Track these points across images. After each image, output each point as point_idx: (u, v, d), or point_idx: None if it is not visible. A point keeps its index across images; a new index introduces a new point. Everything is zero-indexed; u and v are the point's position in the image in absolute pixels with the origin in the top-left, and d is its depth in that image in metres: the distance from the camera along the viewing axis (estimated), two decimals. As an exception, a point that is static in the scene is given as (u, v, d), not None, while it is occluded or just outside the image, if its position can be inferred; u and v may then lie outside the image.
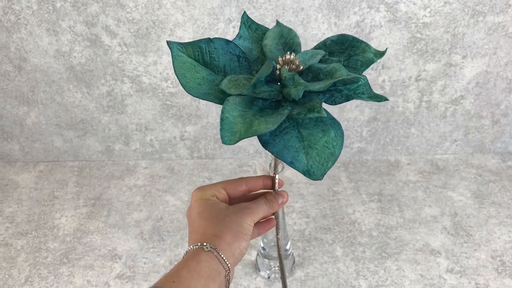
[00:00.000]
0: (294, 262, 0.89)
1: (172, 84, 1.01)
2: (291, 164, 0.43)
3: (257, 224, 0.56)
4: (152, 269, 0.90)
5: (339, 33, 0.92)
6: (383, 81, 1.01)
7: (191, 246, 0.46)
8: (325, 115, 0.40)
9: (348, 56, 0.48)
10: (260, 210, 0.53)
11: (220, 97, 0.45)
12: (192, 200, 0.52)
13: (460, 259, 0.91)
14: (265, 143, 0.44)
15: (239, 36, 0.51)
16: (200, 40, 0.47)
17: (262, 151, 1.14)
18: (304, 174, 0.43)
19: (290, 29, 0.51)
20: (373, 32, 0.94)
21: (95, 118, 1.07)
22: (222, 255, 0.46)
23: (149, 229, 0.98)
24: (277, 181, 0.59)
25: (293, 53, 0.45)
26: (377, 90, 1.03)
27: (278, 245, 0.65)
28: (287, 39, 0.50)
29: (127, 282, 0.87)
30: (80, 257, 0.92)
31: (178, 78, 0.45)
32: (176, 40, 0.95)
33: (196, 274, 0.43)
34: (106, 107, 1.05)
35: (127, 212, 1.02)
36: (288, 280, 0.88)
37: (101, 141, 1.11)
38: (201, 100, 1.04)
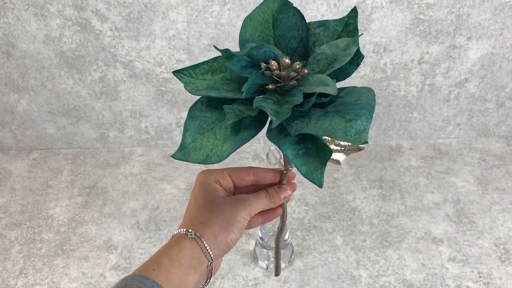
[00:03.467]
0: (293, 251, 0.87)
1: (166, 70, 0.98)
2: (185, 132, 0.42)
3: (262, 212, 0.53)
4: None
5: (339, 14, 0.89)
6: (385, 64, 0.98)
7: (177, 231, 0.45)
8: (336, 92, 0.37)
9: (334, 115, 0.41)
10: (259, 204, 0.50)
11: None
12: (195, 182, 0.50)
13: (462, 247, 0.89)
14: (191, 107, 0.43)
15: (327, 25, 0.46)
16: (285, 1, 0.44)
17: (261, 138, 1.11)
18: (179, 147, 0.43)
19: (355, 51, 0.42)
20: (374, 13, 0.90)
21: (88, 105, 1.04)
22: (206, 245, 0.44)
23: (145, 218, 0.96)
24: (287, 174, 0.55)
25: (297, 62, 0.41)
26: (379, 74, 0.99)
27: (278, 234, 0.62)
28: (340, 56, 0.42)
29: (123, 273, 0.86)
30: (75, 248, 0.90)
31: (247, 17, 0.45)
32: (169, 24, 0.91)
33: (177, 262, 0.42)
34: (99, 94, 1.02)
35: (123, 201, 1.00)
36: (287, 270, 0.86)
37: (95, 128, 1.08)
38: (196, 86, 1.01)
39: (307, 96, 0.40)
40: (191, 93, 0.42)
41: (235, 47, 0.94)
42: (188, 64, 0.98)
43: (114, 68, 0.98)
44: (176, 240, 0.44)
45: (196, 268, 0.44)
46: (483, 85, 1.02)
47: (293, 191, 0.55)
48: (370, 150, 1.10)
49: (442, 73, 1.00)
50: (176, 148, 1.11)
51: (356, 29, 0.44)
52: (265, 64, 0.41)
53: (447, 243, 0.90)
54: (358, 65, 0.42)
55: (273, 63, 0.41)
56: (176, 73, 0.43)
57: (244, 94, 0.38)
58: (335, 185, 1.02)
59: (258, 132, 0.42)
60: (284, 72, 0.41)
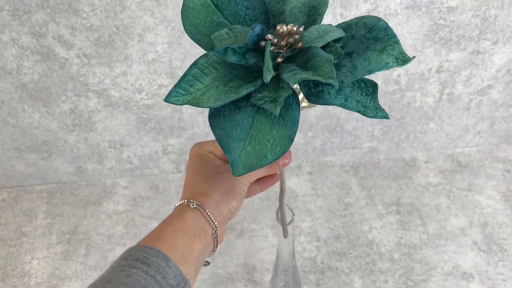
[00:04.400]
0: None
1: (147, 96, 0.84)
2: (221, 144, 0.38)
3: (259, 180, 0.52)
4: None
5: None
6: (399, 75, 0.85)
7: (178, 202, 0.45)
8: (337, 85, 0.33)
9: (364, 49, 0.39)
10: (258, 171, 0.48)
11: (212, 45, 0.39)
12: (190, 155, 0.49)
13: (496, 283, 0.79)
14: (209, 116, 0.38)
15: None
16: None
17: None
18: (230, 165, 0.38)
19: None
20: (388, 21, 0.77)
21: (60, 138, 0.90)
22: (208, 213, 0.44)
23: (136, 268, 0.84)
24: None
25: (290, 25, 0.36)
26: (392, 86, 0.87)
27: (280, 196, 0.55)
28: (316, 3, 0.40)
29: None
30: (57, 314, 0.78)
31: (182, 10, 0.40)
32: (147, 47, 0.77)
33: (180, 232, 0.42)
34: (72, 126, 0.88)
35: (109, 248, 0.88)
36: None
37: (70, 161, 0.95)
38: (184, 111, 0.87)
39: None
40: (214, 106, 0.36)
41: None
42: (172, 88, 0.84)
43: (86, 98, 0.84)
44: (179, 211, 0.44)
45: (200, 236, 0.44)
46: (508, 90, 0.90)
47: (290, 159, 0.51)
48: (382, 166, 0.99)
49: (463, 81, 0.87)
50: (164, 176, 0.99)
51: None
52: (264, 41, 0.36)
53: (478, 279, 0.80)
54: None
55: (271, 37, 0.36)
56: (167, 98, 0.37)
57: (266, 80, 0.34)
58: (348, 213, 0.91)
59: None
60: (286, 41, 0.37)
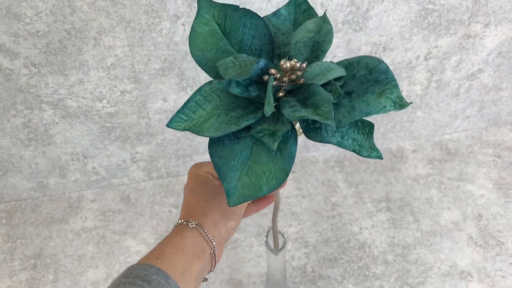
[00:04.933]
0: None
1: (110, 103, 0.75)
2: (219, 172, 0.38)
3: (255, 201, 0.52)
4: None
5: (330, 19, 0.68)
6: (384, 65, 0.78)
7: (177, 222, 0.46)
8: (334, 126, 0.34)
9: (363, 90, 0.38)
10: None
11: (216, 71, 0.40)
12: (188, 176, 0.50)
13: (495, 280, 0.75)
14: (209, 144, 0.39)
15: (278, 14, 0.43)
16: (227, 5, 0.41)
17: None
18: (226, 194, 0.38)
19: (331, 28, 0.40)
20: (372, 9, 0.70)
21: (14, 155, 0.81)
22: (207, 233, 0.45)
23: (112, 293, 0.77)
24: None
25: (294, 61, 0.37)
26: (377, 76, 0.80)
27: (274, 214, 0.55)
28: (320, 38, 0.40)
29: None
30: None
31: (190, 34, 0.40)
32: (105, 51, 0.68)
33: (180, 251, 0.43)
34: (26, 141, 0.79)
35: (80, 271, 0.80)
36: None
37: (29, 177, 0.85)
38: (152, 117, 0.79)
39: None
40: (214, 136, 0.37)
41: (195, 67, 0.73)
42: (138, 94, 0.75)
43: (40, 110, 0.74)
44: (178, 231, 0.45)
45: (199, 256, 0.44)
46: (498, 73, 0.85)
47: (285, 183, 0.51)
48: (369, 159, 0.93)
49: (452, 67, 0.81)
50: (135, 185, 0.91)
51: (309, 7, 0.43)
52: (268, 76, 0.37)
53: (477, 277, 0.76)
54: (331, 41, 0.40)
55: (274, 72, 0.37)
56: (170, 124, 0.38)
57: (267, 114, 0.35)
58: (336, 213, 0.85)
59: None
60: (289, 77, 0.37)
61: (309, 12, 0.43)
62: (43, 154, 0.81)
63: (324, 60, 0.40)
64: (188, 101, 0.38)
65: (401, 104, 0.37)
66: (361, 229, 0.83)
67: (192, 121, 0.37)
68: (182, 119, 0.37)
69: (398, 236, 0.82)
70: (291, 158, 0.37)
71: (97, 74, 0.71)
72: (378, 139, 0.93)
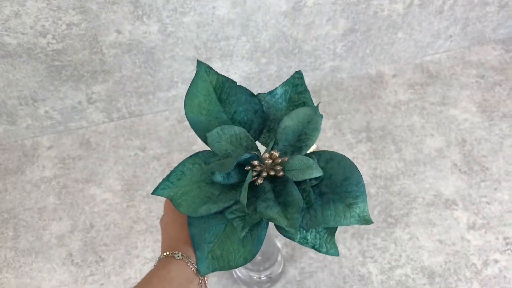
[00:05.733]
0: (283, 262, 0.69)
1: (55, 39, 0.66)
2: (193, 241, 0.42)
3: None
4: (99, 309, 0.66)
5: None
6: (364, -19, 0.70)
7: (163, 254, 0.45)
8: (296, 237, 0.39)
9: (334, 196, 0.40)
10: None
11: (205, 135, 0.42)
12: (165, 210, 0.49)
13: (480, 207, 0.73)
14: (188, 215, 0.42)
15: (274, 93, 0.45)
16: (226, 77, 0.43)
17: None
18: (197, 261, 0.42)
19: (319, 124, 0.42)
20: None
21: (-49, 102, 0.71)
22: (193, 263, 0.44)
23: (79, 246, 0.72)
24: None
25: (276, 153, 0.40)
26: (356, -6, 0.72)
27: None
28: (308, 130, 0.42)
29: None
30: (-7, 316, 0.66)
31: (187, 95, 0.42)
32: None
33: (167, 284, 0.43)
34: (-37, 86, 0.69)
35: (42, 225, 0.74)
36: (280, 284, 0.68)
37: (-27, 126, 0.76)
38: (106, 52, 0.70)
39: (297, 183, 0.40)
40: (190, 215, 0.40)
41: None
42: (87, 26, 0.65)
43: (-27, 50, 0.64)
44: (164, 263, 0.44)
45: (186, 287, 0.44)
46: (486, -14, 0.78)
47: None
48: (347, 86, 0.87)
49: (437, -19, 0.74)
50: (95, 127, 0.83)
51: (306, 90, 0.44)
52: (249, 167, 0.40)
53: (462, 205, 0.73)
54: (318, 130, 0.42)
55: (256, 163, 0.40)
56: (155, 191, 0.41)
57: (243, 202, 0.37)
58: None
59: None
60: (268, 172, 0.40)
61: (304, 95, 0.44)
62: (-15, 100, 0.72)
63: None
64: (175, 170, 0.41)
65: (365, 220, 0.39)
66: (341, 162, 0.78)
67: (175, 188, 0.41)
68: (167, 186, 0.41)
69: (380, 167, 0.78)
70: (259, 242, 0.40)
71: (35, 5, 0.60)
72: (357, 64, 0.87)
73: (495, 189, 0.75)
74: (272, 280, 0.67)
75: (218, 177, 0.39)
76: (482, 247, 0.70)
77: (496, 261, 0.69)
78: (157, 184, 0.75)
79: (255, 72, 0.81)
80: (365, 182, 0.76)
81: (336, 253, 0.41)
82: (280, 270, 0.68)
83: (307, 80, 0.87)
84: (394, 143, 0.80)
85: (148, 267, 0.70)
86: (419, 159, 0.78)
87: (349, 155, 0.79)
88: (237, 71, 0.81)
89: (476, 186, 0.75)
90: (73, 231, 0.73)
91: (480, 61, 0.89)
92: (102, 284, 0.69)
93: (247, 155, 0.38)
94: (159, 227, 0.73)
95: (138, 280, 0.67)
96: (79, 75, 0.72)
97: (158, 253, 0.71)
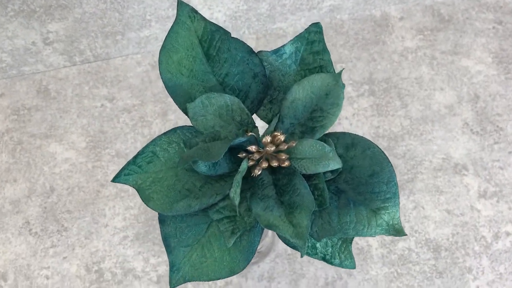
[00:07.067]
0: (274, 234, 0.61)
1: (-5, -36, 0.52)
2: (166, 243, 0.33)
3: None
4: (62, 286, 0.58)
5: None
6: None
7: None
8: (305, 251, 0.29)
9: (355, 196, 0.31)
10: None
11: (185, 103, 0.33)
12: None
13: (493, 173, 0.65)
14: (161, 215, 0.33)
15: (281, 53, 0.34)
16: (217, 26, 0.33)
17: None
18: (170, 268, 0.33)
19: (341, 98, 0.30)
20: None
21: None
22: None
23: (38, 213, 0.62)
24: None
25: (280, 135, 0.30)
26: None
27: None
28: (325, 105, 0.31)
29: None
30: None
31: (163, 46, 0.32)
32: None
33: None
34: None
35: (-6, 188, 0.64)
36: (270, 258, 0.61)
37: None
38: (61, -18, 0.57)
39: (307, 177, 0.31)
40: (163, 213, 0.30)
41: None
42: None
43: None
44: None
45: None
46: None
47: None
48: (348, 29, 0.76)
49: None
50: (54, 72, 0.70)
51: (325, 50, 0.34)
52: (244, 153, 0.31)
53: (473, 170, 0.66)
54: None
55: (254, 149, 0.30)
56: (117, 178, 0.31)
57: (235, 200, 0.28)
58: (309, 101, 0.70)
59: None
60: (269, 148, 0.30)
61: (322, 56, 0.34)
62: None
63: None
64: (143, 150, 0.32)
65: (396, 230, 0.30)
66: (339, 119, 0.69)
67: (145, 174, 0.31)
68: (133, 171, 0.32)
69: (383, 126, 0.69)
70: (250, 252, 0.32)
71: None
72: (360, 4, 0.75)
73: (510, 152, 0.67)
74: (261, 254, 0.60)
75: (202, 167, 0.30)
76: (493, 218, 0.63)
77: (508, 234, 0.62)
78: (127, 141, 0.65)
79: (242, 10, 0.69)
80: (366, 142, 0.67)
81: (352, 265, 0.33)
82: (270, 243, 0.60)
83: (302, 22, 0.75)
84: (400, 98, 0.71)
85: (119, 238, 0.61)
86: (427, 116, 0.69)
87: (349, 110, 0.69)
88: (222, 9, 0.69)
89: (488, 149, 0.67)
90: (30, 196, 0.63)
91: (498, 4, 0.78)
92: (65, 258, 0.60)
93: (241, 139, 0.28)
94: (131, 191, 0.63)
95: (107, 253, 0.59)
96: (30, 10, 0.60)
97: (130, 222, 0.62)
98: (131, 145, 0.66)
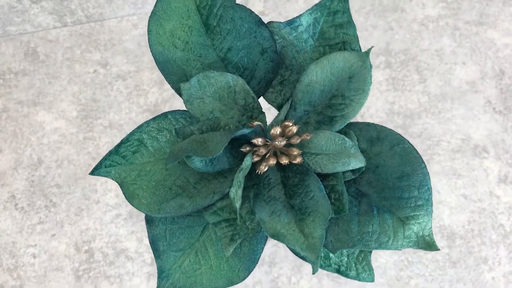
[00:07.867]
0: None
1: None
2: (154, 246, 0.28)
3: None
4: (50, 265, 0.55)
5: None
6: None
7: None
8: (317, 268, 0.24)
9: (380, 202, 0.26)
10: None
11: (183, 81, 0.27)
12: None
13: (515, 157, 0.61)
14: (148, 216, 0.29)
15: (296, 24, 0.29)
16: None
17: None
18: (158, 275, 0.28)
19: (369, 82, 0.26)
20: None
21: None
22: None
23: (24, 187, 0.58)
24: None
25: (292, 124, 0.25)
26: None
27: None
28: (348, 90, 0.25)
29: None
30: None
31: (153, 12, 0.26)
32: None
33: None
34: None
35: (-23, 159, 0.59)
36: (270, 243, 0.57)
37: None
38: None
39: (322, 176, 0.26)
40: (152, 215, 0.25)
41: None
42: None
43: None
44: None
45: None
46: None
47: None
48: (363, -5, 0.69)
49: None
50: (43, 33, 0.65)
51: (350, 22, 0.28)
52: (248, 147, 0.26)
53: (493, 153, 0.61)
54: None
55: (260, 142, 0.25)
56: (97, 170, 0.26)
57: (235, 202, 0.23)
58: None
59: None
60: (279, 144, 0.25)
61: (346, 30, 0.28)
62: None
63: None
64: (127, 138, 0.27)
65: (426, 244, 0.25)
66: (352, 92, 0.64)
67: (131, 165, 0.26)
68: (116, 162, 0.26)
69: (399, 102, 0.63)
70: (253, 260, 0.27)
71: None
72: (378, -33, 0.68)
73: (534, 134, 0.62)
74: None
75: (197, 163, 0.26)
76: (513, 205, 0.59)
77: (528, 223, 0.58)
78: (121, 111, 0.60)
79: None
80: (379, 120, 0.62)
81: (371, 278, 0.29)
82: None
83: (314, -16, 0.69)
84: (418, 72, 0.65)
85: (111, 216, 0.57)
86: (447, 93, 0.64)
87: (361, 84, 0.64)
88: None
89: (511, 130, 0.62)
90: (17, 168, 0.59)
91: (529, -30, 0.71)
92: (53, 235, 0.56)
93: (245, 130, 0.24)
94: (124, 166, 0.59)
95: (98, 232, 0.55)
96: (13, -36, 0.54)
97: (123, 199, 0.58)
98: (126, 115, 0.61)
